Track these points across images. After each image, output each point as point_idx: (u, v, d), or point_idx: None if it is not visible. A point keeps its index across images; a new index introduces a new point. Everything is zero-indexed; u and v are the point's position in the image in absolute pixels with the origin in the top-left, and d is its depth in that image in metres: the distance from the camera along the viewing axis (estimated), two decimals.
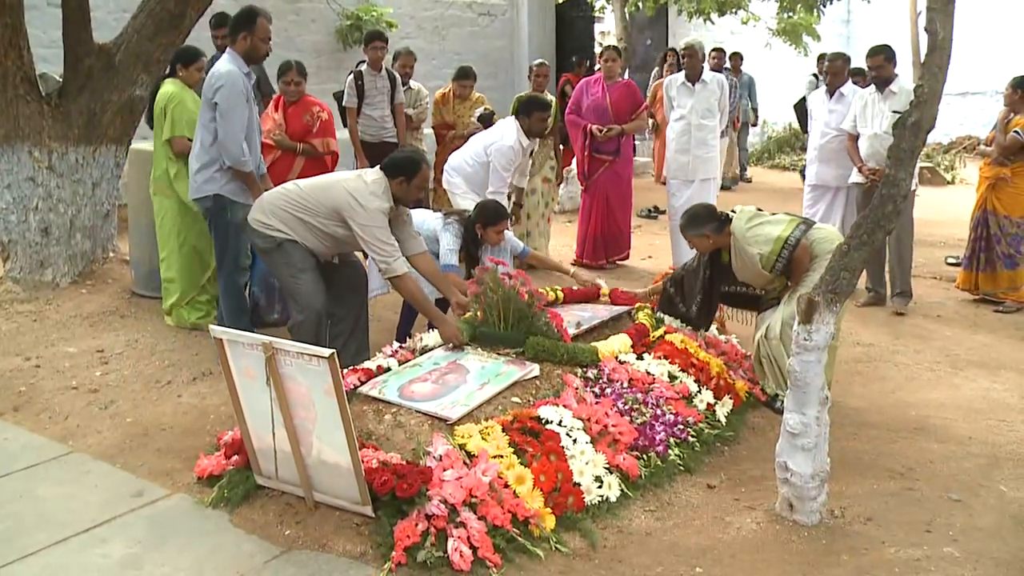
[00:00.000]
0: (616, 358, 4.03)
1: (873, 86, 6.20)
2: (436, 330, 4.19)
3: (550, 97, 7.24)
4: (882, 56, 6.09)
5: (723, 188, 10.79)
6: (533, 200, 7.17)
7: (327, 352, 2.82)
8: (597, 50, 12.45)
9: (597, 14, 13.56)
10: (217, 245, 4.83)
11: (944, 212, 9.54)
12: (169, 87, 5.24)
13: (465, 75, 7.29)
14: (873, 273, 6.31)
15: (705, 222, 4.36)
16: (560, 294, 4.94)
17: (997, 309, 6.18)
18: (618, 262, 7.34)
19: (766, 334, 4.27)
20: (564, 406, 3.54)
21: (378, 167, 4.15)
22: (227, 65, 4.54)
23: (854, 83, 6.88)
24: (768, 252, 4.16)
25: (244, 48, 4.58)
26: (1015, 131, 6.03)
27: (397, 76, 7.32)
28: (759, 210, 4.39)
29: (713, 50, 11.19)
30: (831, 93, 6.62)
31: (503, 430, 3.31)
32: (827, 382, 3.57)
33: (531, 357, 3.90)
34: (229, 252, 4.75)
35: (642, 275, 6.99)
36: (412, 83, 7.73)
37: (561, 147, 7.45)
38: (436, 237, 4.79)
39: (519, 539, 2.93)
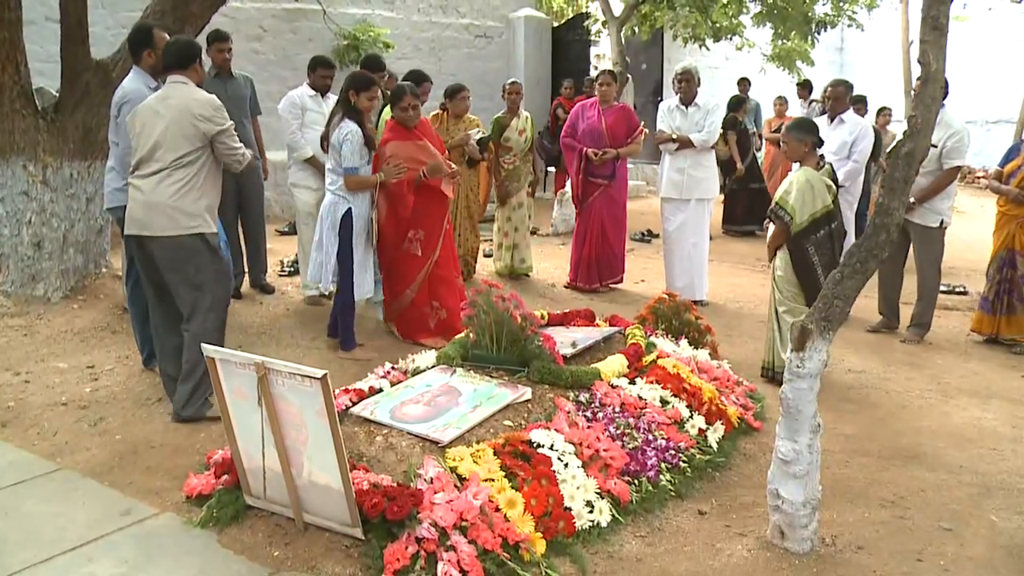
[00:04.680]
0: (608, 382, 4.04)
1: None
2: (428, 352, 4.19)
3: (524, 113, 7.38)
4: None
5: None
6: (520, 214, 7.36)
7: (320, 373, 2.82)
8: (593, 73, 12.54)
9: (593, 37, 13.65)
10: (127, 254, 4.83)
11: None
12: None
13: (457, 90, 6.99)
14: (888, 301, 6.31)
15: (812, 134, 4.95)
16: (546, 315, 4.96)
17: (1014, 350, 6.00)
18: (612, 286, 7.36)
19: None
20: (556, 430, 3.54)
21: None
22: (129, 83, 4.63)
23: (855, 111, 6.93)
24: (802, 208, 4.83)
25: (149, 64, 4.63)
26: None
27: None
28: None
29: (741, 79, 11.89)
30: (831, 119, 6.59)
31: (494, 453, 3.31)
32: None
33: (536, 381, 3.91)
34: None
35: (635, 299, 7.00)
36: None
37: (553, 169, 7.47)
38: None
39: (509, 563, 2.91)
